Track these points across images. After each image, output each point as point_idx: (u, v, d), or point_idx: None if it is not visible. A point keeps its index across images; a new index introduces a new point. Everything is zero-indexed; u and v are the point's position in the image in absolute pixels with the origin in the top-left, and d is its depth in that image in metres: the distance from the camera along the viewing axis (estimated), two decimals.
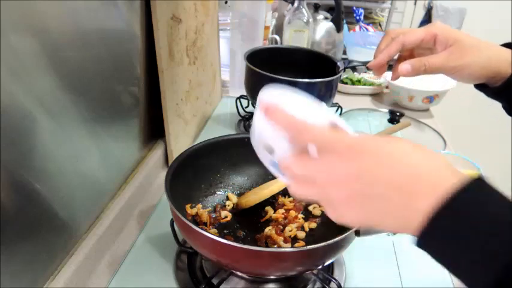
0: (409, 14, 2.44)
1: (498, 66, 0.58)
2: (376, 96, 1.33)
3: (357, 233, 0.53)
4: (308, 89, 0.92)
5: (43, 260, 0.52)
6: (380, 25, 2.08)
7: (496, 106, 0.66)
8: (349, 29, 1.72)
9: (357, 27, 1.80)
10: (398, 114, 1.08)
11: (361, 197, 0.34)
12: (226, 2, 1.25)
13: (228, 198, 0.70)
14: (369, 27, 1.82)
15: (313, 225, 0.67)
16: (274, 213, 0.67)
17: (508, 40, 0.63)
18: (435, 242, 0.31)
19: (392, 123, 1.08)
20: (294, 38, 1.25)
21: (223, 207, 0.69)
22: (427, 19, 2.41)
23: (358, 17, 1.88)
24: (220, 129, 1.04)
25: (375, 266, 0.66)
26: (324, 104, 0.39)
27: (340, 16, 1.33)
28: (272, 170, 0.44)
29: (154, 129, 0.82)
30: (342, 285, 0.60)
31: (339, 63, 0.98)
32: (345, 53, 1.50)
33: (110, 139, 0.66)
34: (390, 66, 0.66)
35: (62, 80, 0.50)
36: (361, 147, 0.34)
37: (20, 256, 0.47)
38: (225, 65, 1.19)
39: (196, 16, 0.89)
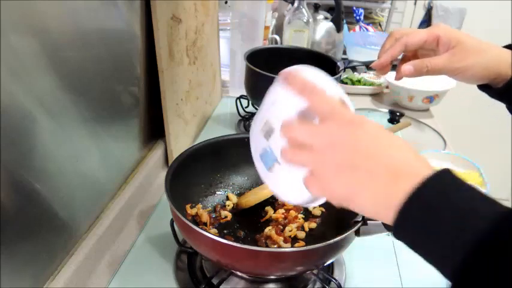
0: (409, 14, 2.44)
1: (499, 68, 0.59)
2: (376, 96, 1.33)
3: (357, 233, 0.53)
4: None
5: (43, 260, 0.52)
6: (380, 25, 2.08)
7: (496, 106, 0.66)
8: (349, 29, 1.72)
9: (357, 27, 1.80)
10: (398, 114, 1.08)
11: (351, 168, 0.35)
12: (226, 2, 1.25)
13: (228, 198, 0.70)
14: (369, 27, 1.82)
15: (313, 225, 0.67)
16: (274, 213, 0.67)
17: (508, 40, 0.63)
18: (408, 226, 0.33)
19: (392, 123, 1.08)
20: (294, 38, 1.25)
21: (223, 207, 0.69)
22: (427, 19, 2.41)
23: (358, 17, 1.88)
24: (220, 129, 1.04)
25: (375, 266, 0.66)
26: (336, 83, 0.42)
27: (340, 16, 1.33)
28: (260, 163, 0.47)
29: (154, 129, 0.82)
30: (342, 285, 0.60)
31: (339, 63, 0.98)
32: (345, 53, 1.50)
33: (110, 139, 0.66)
34: (394, 66, 0.66)
35: (62, 80, 0.50)
36: (361, 123, 0.37)
37: (20, 256, 0.47)
38: (225, 65, 1.19)
39: (196, 16, 0.89)
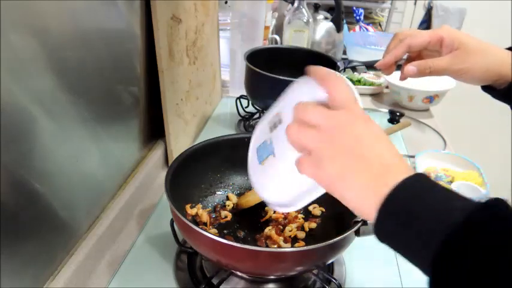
0: (409, 14, 2.44)
1: (501, 70, 0.60)
2: (376, 96, 1.33)
3: (357, 233, 0.53)
4: None
5: (43, 260, 0.52)
6: (380, 25, 2.08)
7: (497, 106, 0.66)
8: (349, 29, 1.72)
9: (357, 27, 1.80)
10: (398, 114, 1.08)
11: (350, 153, 0.37)
12: (226, 2, 1.25)
13: (228, 198, 0.70)
14: (369, 27, 1.82)
15: (313, 225, 0.67)
16: (274, 213, 0.67)
17: (508, 40, 0.63)
18: (392, 213, 0.35)
19: (392, 123, 1.08)
20: (294, 38, 1.25)
21: (223, 207, 0.69)
22: (427, 19, 2.42)
23: (358, 17, 1.88)
24: (220, 129, 1.04)
25: (375, 266, 0.66)
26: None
27: (340, 16, 1.33)
28: (254, 156, 0.49)
29: (154, 129, 0.82)
30: (342, 285, 0.60)
31: (339, 63, 0.98)
32: (345, 53, 1.50)
33: (110, 139, 0.66)
34: (399, 66, 0.67)
35: (62, 80, 0.50)
36: (369, 120, 0.40)
37: (20, 256, 0.47)
38: (225, 65, 1.19)
39: (196, 16, 0.89)
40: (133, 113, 0.74)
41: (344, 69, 0.96)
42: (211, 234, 0.49)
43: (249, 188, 0.72)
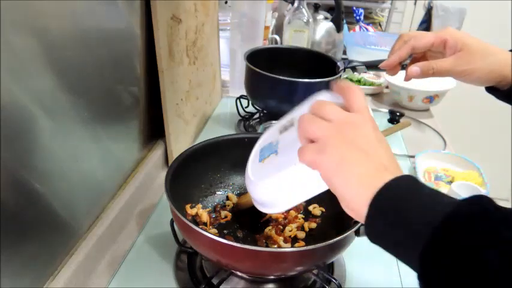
0: (409, 14, 2.44)
1: (503, 71, 0.61)
2: (376, 96, 1.33)
3: (357, 233, 0.53)
4: (308, 89, 0.93)
5: (43, 260, 0.52)
6: (380, 25, 2.08)
7: (496, 106, 0.66)
8: (349, 29, 1.72)
9: (357, 27, 1.80)
10: (398, 114, 1.08)
11: (353, 146, 0.39)
12: (226, 2, 1.25)
13: (228, 198, 0.70)
14: (369, 27, 1.82)
15: (313, 225, 0.67)
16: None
17: (508, 40, 0.63)
18: (385, 203, 0.36)
19: (392, 123, 1.08)
20: (294, 38, 1.25)
21: (223, 207, 0.69)
22: (427, 19, 2.41)
23: (358, 17, 1.88)
24: (220, 129, 1.04)
25: (375, 266, 0.66)
26: None
27: (340, 16, 1.33)
28: (255, 156, 0.52)
29: (154, 129, 0.82)
30: (342, 285, 0.60)
31: (339, 63, 0.98)
32: (345, 53, 1.50)
33: (110, 139, 0.66)
34: (404, 66, 0.68)
35: (61, 80, 0.50)
36: (377, 127, 0.42)
37: (20, 256, 0.47)
38: (225, 65, 1.19)
39: (196, 16, 0.89)
40: (133, 113, 0.74)
41: (344, 69, 0.96)
42: (211, 234, 0.49)
43: None
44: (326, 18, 1.39)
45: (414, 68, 0.64)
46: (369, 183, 0.37)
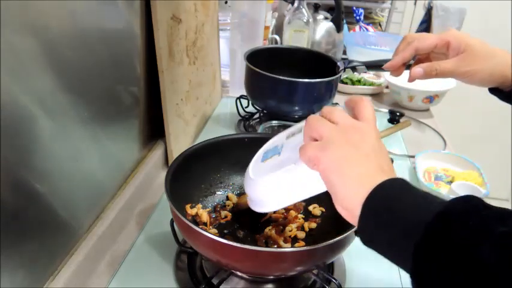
0: (409, 14, 2.44)
1: (506, 72, 0.62)
2: (376, 96, 1.33)
3: (357, 233, 0.53)
4: (308, 89, 0.93)
5: (43, 260, 0.52)
6: (380, 25, 2.08)
7: (496, 106, 0.66)
8: (349, 29, 1.72)
9: (357, 27, 1.80)
10: (398, 114, 1.08)
11: (355, 148, 0.40)
12: (226, 2, 1.25)
13: (228, 198, 0.70)
14: (369, 27, 1.82)
15: (313, 225, 0.67)
16: (274, 213, 0.67)
17: (508, 40, 0.64)
18: (379, 201, 0.37)
19: (392, 123, 1.08)
20: (294, 38, 1.25)
21: (223, 207, 0.69)
22: (427, 19, 2.41)
23: (358, 17, 1.88)
24: (220, 129, 1.03)
25: (375, 266, 0.66)
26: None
27: (340, 16, 1.33)
28: (258, 157, 0.54)
29: (154, 129, 0.82)
30: (342, 285, 0.60)
31: (339, 63, 0.98)
32: (345, 53, 1.50)
33: (110, 139, 0.66)
34: (408, 67, 0.70)
35: (61, 80, 0.50)
36: (380, 136, 0.44)
37: (20, 256, 0.47)
38: (225, 65, 1.19)
39: (196, 16, 0.89)
40: (133, 113, 0.74)
41: (344, 69, 0.96)
42: (211, 234, 0.49)
43: None
44: (326, 18, 1.39)
45: (417, 69, 0.65)
46: (366, 183, 0.38)
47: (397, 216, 0.35)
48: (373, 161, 0.40)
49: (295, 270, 0.54)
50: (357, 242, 0.54)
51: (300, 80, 0.90)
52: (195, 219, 0.64)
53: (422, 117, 1.19)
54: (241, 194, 0.71)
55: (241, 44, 1.11)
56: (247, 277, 0.59)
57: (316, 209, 0.69)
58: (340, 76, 0.99)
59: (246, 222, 0.66)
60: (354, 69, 1.44)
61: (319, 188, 0.45)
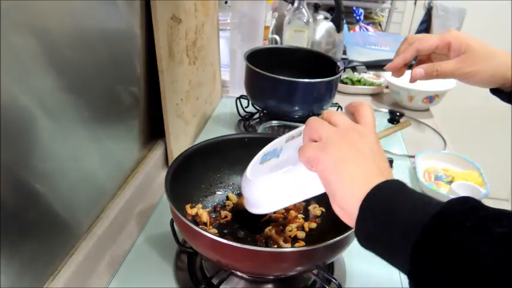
0: (409, 14, 2.44)
1: (507, 73, 0.62)
2: (376, 96, 1.33)
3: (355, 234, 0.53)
4: (308, 89, 0.93)
5: (43, 260, 0.52)
6: (380, 25, 2.09)
7: (496, 106, 0.66)
8: (349, 29, 1.72)
9: (357, 27, 1.80)
10: (398, 114, 1.08)
11: (354, 149, 0.41)
12: (226, 2, 1.25)
13: (228, 198, 0.70)
14: (369, 27, 1.82)
15: (313, 225, 0.67)
16: (274, 213, 0.67)
17: (508, 40, 0.64)
18: (377, 201, 0.38)
19: (392, 123, 1.08)
20: (294, 38, 1.25)
21: (223, 207, 0.69)
22: (427, 19, 2.41)
23: (358, 17, 1.88)
24: (220, 129, 1.03)
25: (375, 266, 0.66)
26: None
27: (340, 16, 1.33)
28: (256, 159, 0.55)
29: (154, 129, 0.82)
30: (342, 285, 0.60)
31: (339, 63, 0.98)
32: (345, 53, 1.50)
33: (110, 139, 0.66)
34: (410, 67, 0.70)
35: (61, 80, 0.50)
36: (379, 141, 0.44)
37: (20, 256, 0.47)
38: (225, 65, 1.19)
39: (196, 16, 0.89)
40: (133, 113, 0.74)
41: (344, 69, 0.96)
42: (211, 234, 0.49)
43: None
44: (326, 18, 1.39)
45: (418, 70, 0.65)
46: (364, 184, 0.38)
47: (395, 217, 0.36)
48: (371, 162, 0.40)
49: (295, 270, 0.54)
50: (357, 242, 0.54)
51: (300, 80, 0.90)
52: (195, 219, 0.64)
53: (422, 117, 1.19)
54: (241, 194, 0.71)
55: (241, 44, 1.11)
56: (247, 277, 0.59)
57: (316, 209, 0.69)
58: (340, 76, 0.99)
59: (246, 222, 0.66)
60: (354, 69, 1.44)
61: (315, 191, 0.45)
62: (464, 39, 0.63)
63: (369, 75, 1.36)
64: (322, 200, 0.69)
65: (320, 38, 1.37)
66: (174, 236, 0.63)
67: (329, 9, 1.75)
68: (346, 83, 1.32)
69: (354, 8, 1.89)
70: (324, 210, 0.69)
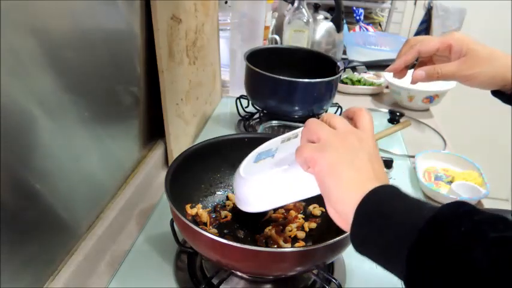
0: (409, 14, 2.44)
1: (507, 76, 0.62)
2: (376, 96, 1.33)
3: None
4: (308, 89, 0.93)
5: (43, 260, 0.52)
6: (380, 25, 2.08)
7: (496, 106, 0.66)
8: (349, 29, 1.72)
9: (357, 27, 1.80)
10: (398, 114, 1.08)
11: (352, 152, 0.41)
12: (226, 2, 1.25)
13: (228, 198, 0.70)
14: (369, 27, 1.82)
15: (313, 225, 0.67)
16: (274, 213, 0.67)
17: (508, 40, 0.65)
18: (371, 204, 0.38)
19: (392, 123, 1.08)
20: (294, 38, 1.25)
21: (223, 207, 0.69)
22: (427, 19, 2.41)
23: (358, 17, 1.88)
24: (220, 129, 1.03)
25: (375, 266, 0.66)
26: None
27: (340, 16, 1.33)
28: (251, 158, 0.54)
29: (154, 129, 0.82)
30: (342, 285, 0.60)
31: (339, 63, 0.98)
32: (345, 53, 1.50)
33: (110, 139, 0.66)
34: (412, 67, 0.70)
35: (62, 80, 0.50)
36: (376, 145, 0.45)
37: (20, 256, 0.47)
38: (225, 65, 1.19)
39: (196, 16, 0.89)
40: (134, 113, 0.74)
41: (344, 69, 0.96)
42: (211, 234, 0.49)
43: None
44: (326, 18, 1.39)
45: (419, 72, 0.66)
46: (360, 188, 0.38)
47: (391, 222, 0.36)
48: (368, 167, 0.40)
49: (295, 270, 0.54)
50: None
51: (300, 80, 0.90)
52: (195, 219, 0.64)
53: (422, 117, 1.19)
54: None
55: (241, 44, 1.11)
56: (247, 277, 0.59)
57: (316, 209, 0.69)
58: (340, 76, 0.99)
59: (246, 222, 0.66)
60: (354, 69, 1.44)
61: (308, 192, 0.45)
62: (465, 41, 0.63)
63: (369, 75, 1.36)
64: (322, 200, 0.69)
65: (320, 38, 1.37)
66: (174, 236, 0.63)
67: (329, 9, 1.75)
68: (346, 83, 1.32)
69: (354, 8, 1.89)
70: (324, 210, 0.69)
